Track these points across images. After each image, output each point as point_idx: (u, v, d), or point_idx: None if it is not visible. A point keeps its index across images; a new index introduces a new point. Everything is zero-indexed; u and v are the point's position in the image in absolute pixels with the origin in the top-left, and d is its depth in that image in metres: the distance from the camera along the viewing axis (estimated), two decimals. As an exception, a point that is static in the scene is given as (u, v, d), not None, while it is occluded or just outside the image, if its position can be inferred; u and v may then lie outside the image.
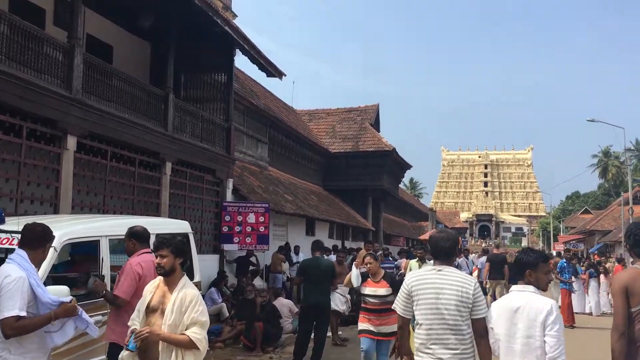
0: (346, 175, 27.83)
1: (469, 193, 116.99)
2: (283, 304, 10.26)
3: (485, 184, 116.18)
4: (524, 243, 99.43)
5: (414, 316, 4.10)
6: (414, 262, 10.46)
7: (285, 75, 15.59)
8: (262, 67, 14.86)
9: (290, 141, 23.50)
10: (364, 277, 7.11)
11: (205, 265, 13.51)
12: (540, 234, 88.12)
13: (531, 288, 3.77)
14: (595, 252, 38.34)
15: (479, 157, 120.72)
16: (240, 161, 18.12)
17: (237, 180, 15.72)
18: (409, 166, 31.95)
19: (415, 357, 4.03)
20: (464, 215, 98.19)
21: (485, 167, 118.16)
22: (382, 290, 6.76)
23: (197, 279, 7.24)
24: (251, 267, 14.82)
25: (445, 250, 4.06)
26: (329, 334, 9.18)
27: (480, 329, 3.87)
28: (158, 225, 6.81)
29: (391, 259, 16.19)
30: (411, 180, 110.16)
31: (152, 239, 4.88)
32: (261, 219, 14.54)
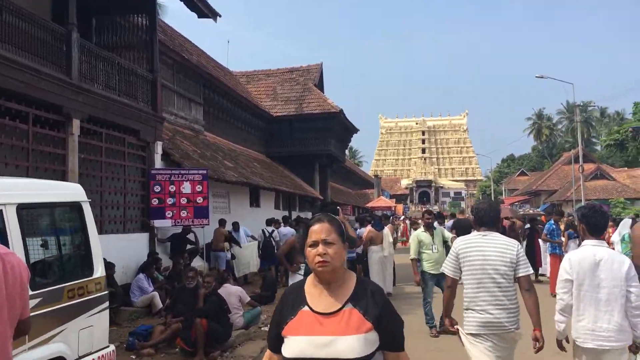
0: (291, 140, 25.62)
1: (407, 160, 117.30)
2: (231, 292, 8.01)
3: (424, 151, 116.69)
4: (462, 206, 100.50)
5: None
6: (421, 232, 8.79)
7: (220, 16, 13.07)
8: (191, 5, 12.30)
9: (228, 103, 20.99)
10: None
11: (131, 246, 11.06)
12: (480, 197, 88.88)
13: (605, 243, 4.14)
14: (542, 212, 37.86)
15: (417, 123, 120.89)
16: (172, 124, 15.54)
17: (168, 144, 13.21)
18: (355, 130, 29.99)
19: (464, 314, 4.34)
20: (404, 182, 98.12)
21: (423, 133, 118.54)
22: None
23: (99, 271, 4.88)
24: (189, 246, 12.47)
25: (490, 218, 4.44)
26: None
27: (526, 284, 4.24)
28: (21, 190, 4.38)
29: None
30: (350, 148, 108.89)
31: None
32: (198, 188, 12.17)
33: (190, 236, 12.52)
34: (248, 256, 14.47)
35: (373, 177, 49.51)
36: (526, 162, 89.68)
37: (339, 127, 26.63)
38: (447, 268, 4.48)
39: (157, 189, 11.79)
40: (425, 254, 8.45)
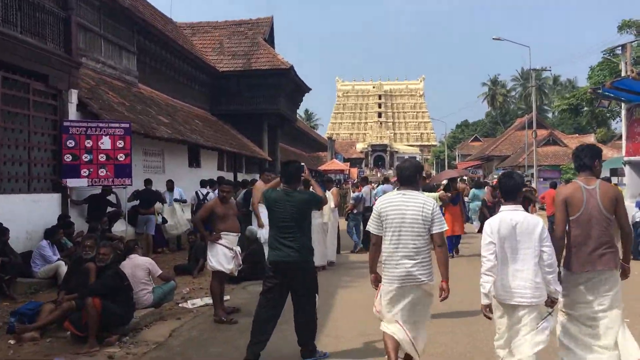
0: (238, 98, 24.10)
1: (363, 124, 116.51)
2: (137, 264, 6.80)
3: (380, 115, 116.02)
4: (429, 171, 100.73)
5: None
6: None
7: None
8: None
9: (167, 54, 19.32)
10: None
11: (38, 208, 9.62)
12: (434, 162, 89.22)
13: (520, 207, 4.50)
14: (495, 177, 37.65)
15: (374, 87, 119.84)
16: (97, 73, 13.94)
17: (88, 93, 11.67)
18: (307, 89, 28.59)
19: (383, 267, 4.70)
20: (359, 146, 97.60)
21: (380, 97, 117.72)
22: None
23: None
24: (110, 209, 11.12)
25: (407, 177, 4.75)
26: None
27: (439, 240, 4.63)
28: None
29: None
30: (306, 111, 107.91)
31: None
32: (120, 143, 10.77)
33: (112, 198, 11.18)
34: (177, 217, 13.26)
35: (327, 139, 48.37)
36: (480, 128, 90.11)
37: (289, 85, 25.24)
38: (371, 227, 4.78)
39: (71, 143, 10.33)
40: None
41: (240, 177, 21.35)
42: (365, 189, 14.29)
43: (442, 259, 4.62)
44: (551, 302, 4.42)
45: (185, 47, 20.65)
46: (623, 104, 15.38)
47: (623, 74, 18.19)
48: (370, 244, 4.86)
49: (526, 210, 4.63)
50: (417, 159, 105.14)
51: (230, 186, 7.11)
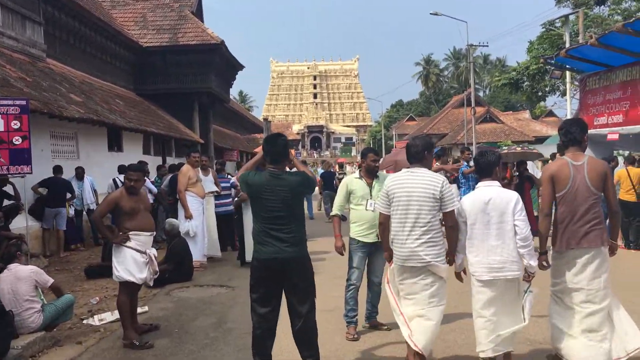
0: (165, 76, 22.28)
1: (299, 105, 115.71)
2: (20, 276, 5.21)
3: (315, 96, 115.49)
4: (354, 152, 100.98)
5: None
6: (354, 179, 5.98)
7: None
8: None
9: (82, 27, 17.28)
10: None
11: None
12: (371, 142, 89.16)
13: (496, 183, 4.52)
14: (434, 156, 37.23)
15: (308, 68, 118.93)
16: (-8, 43, 11.96)
17: (-24, 66, 9.80)
18: (241, 66, 26.95)
19: (391, 245, 4.62)
20: (295, 128, 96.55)
21: (315, 78, 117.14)
22: None
23: None
24: (6, 203, 9.39)
25: (415, 154, 4.57)
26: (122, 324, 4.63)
27: (449, 220, 4.48)
28: None
29: (229, 175, 11.65)
30: (241, 92, 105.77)
31: None
32: (15, 124, 8.98)
33: (8, 189, 9.44)
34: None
35: (262, 121, 46.76)
36: (414, 108, 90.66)
37: (220, 62, 23.52)
38: (379, 205, 4.71)
39: (-49, 125, 8.51)
40: (355, 212, 5.66)
41: (170, 161, 19.63)
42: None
43: (453, 238, 4.52)
44: (528, 276, 4.41)
45: (103, 20, 18.60)
46: (568, 74, 14.70)
47: (567, 45, 17.68)
48: (379, 223, 4.81)
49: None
50: (354, 139, 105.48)
51: (139, 172, 5.56)
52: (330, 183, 17.57)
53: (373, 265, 5.78)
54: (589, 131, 13.70)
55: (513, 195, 4.41)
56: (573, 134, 4.58)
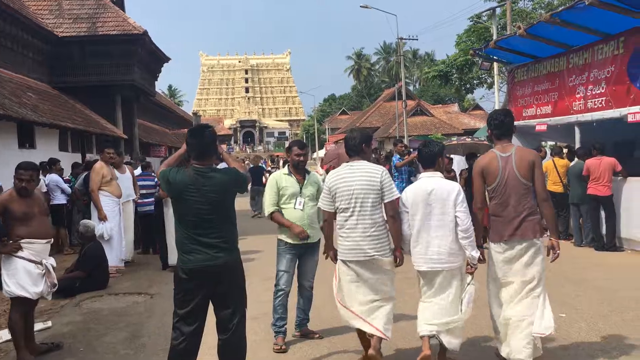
0: (84, 68, 21.07)
1: (231, 99, 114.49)
2: None
3: (247, 90, 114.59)
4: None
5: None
6: (283, 175, 5.37)
7: None
8: None
9: (-14, 14, 15.91)
10: None
11: None
12: (304, 136, 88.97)
13: (438, 174, 4.48)
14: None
15: (239, 62, 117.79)
16: None
17: None
18: (166, 58, 25.89)
19: (337, 240, 4.56)
20: (227, 122, 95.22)
21: (246, 72, 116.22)
22: None
23: None
24: None
25: (353, 147, 4.54)
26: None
27: (390, 210, 4.42)
28: None
29: (153, 173, 10.88)
30: (170, 87, 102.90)
31: None
32: None
33: None
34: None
35: (192, 115, 45.49)
36: (346, 102, 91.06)
37: (144, 53, 22.46)
38: (322, 203, 4.62)
39: None
40: (284, 211, 5.15)
41: (91, 158, 18.49)
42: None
43: (395, 229, 4.44)
44: (470, 268, 4.38)
45: (12, 7, 17.23)
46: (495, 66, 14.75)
47: (495, 37, 17.81)
48: (323, 219, 4.73)
49: None
50: (287, 134, 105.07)
51: (31, 171, 4.84)
52: (258, 178, 17.16)
53: (304, 268, 5.32)
54: (518, 123, 13.93)
55: (454, 187, 4.38)
56: (507, 125, 4.54)
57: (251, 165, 18.92)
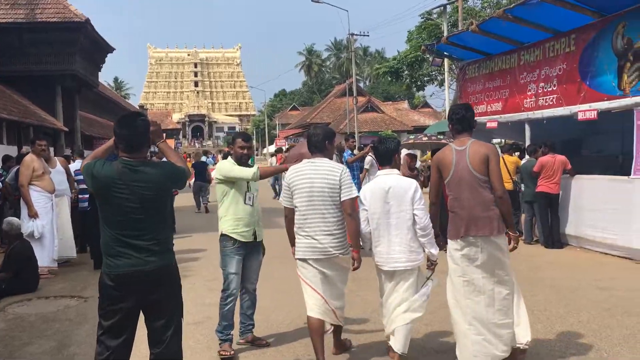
0: (21, 56, 20.03)
1: (179, 93, 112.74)
2: None
3: (196, 84, 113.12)
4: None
5: None
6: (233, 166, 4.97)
7: None
8: None
9: None
10: None
11: None
12: (254, 131, 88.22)
13: (395, 171, 4.47)
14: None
15: (189, 55, 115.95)
16: None
17: None
18: (110, 48, 24.86)
19: (296, 237, 4.43)
20: (176, 116, 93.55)
21: (195, 65, 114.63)
22: None
23: None
24: None
25: (315, 143, 4.40)
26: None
27: (348, 208, 4.26)
28: None
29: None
30: (116, 79, 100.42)
31: None
32: None
33: None
34: None
35: (138, 108, 44.23)
36: (297, 98, 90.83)
37: (86, 42, 21.48)
38: (283, 199, 4.52)
39: None
40: (231, 207, 4.81)
41: (27, 151, 17.49)
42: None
43: (352, 228, 4.31)
44: (431, 264, 4.38)
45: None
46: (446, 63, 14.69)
47: (445, 34, 17.80)
48: (284, 216, 4.59)
49: None
50: (237, 129, 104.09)
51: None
52: (201, 174, 16.66)
53: (248, 269, 4.90)
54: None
55: (412, 184, 4.33)
56: (468, 120, 4.40)
57: (193, 162, 18.45)
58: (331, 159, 4.48)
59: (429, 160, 11.15)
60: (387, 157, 4.48)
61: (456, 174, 4.25)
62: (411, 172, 9.66)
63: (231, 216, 4.78)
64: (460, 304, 4.21)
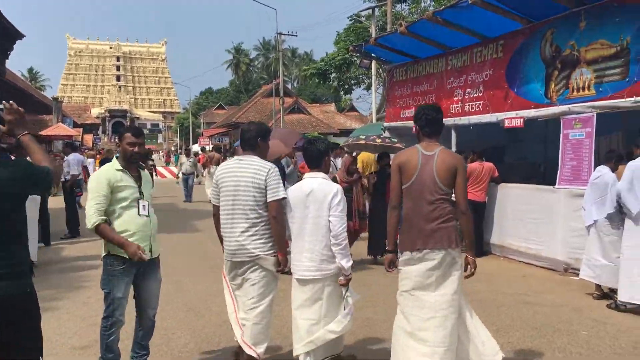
0: None
1: (100, 87, 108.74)
2: None
3: (118, 78, 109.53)
4: (160, 140, 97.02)
5: None
6: (115, 171, 3.92)
7: None
8: None
9: None
10: None
11: None
12: (178, 129, 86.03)
13: (321, 174, 4.15)
14: (237, 145, 36.21)
15: (111, 48, 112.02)
16: None
17: None
18: (19, 35, 23.12)
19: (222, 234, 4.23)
20: (95, 111, 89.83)
21: (118, 59, 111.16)
22: None
23: None
24: None
25: (247, 140, 4.22)
26: None
27: (273, 211, 4.04)
28: None
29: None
30: (31, 70, 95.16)
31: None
32: None
33: None
34: None
35: (52, 100, 41.76)
36: (224, 96, 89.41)
37: (-10, 26, 19.81)
38: (211, 196, 4.39)
39: None
40: (120, 218, 3.95)
41: None
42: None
43: (277, 231, 4.09)
44: (343, 280, 4.03)
45: None
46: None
47: (374, 35, 17.54)
48: (212, 214, 4.40)
49: None
50: (160, 126, 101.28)
51: None
52: None
53: (147, 292, 4.13)
54: (396, 124, 13.68)
55: (333, 188, 4.04)
56: (439, 122, 4.09)
57: (102, 158, 17.35)
58: (264, 158, 4.21)
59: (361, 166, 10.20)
60: (316, 159, 4.18)
61: (419, 180, 3.90)
62: (350, 176, 8.48)
63: (120, 230, 3.92)
64: (406, 319, 3.88)
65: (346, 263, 3.95)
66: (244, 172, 4.08)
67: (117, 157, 4.15)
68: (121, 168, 4.03)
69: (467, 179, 4.05)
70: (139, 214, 3.98)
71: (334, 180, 6.75)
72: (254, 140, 4.19)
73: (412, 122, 12.14)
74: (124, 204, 3.95)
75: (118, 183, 3.95)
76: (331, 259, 3.98)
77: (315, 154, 4.18)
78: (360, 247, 8.82)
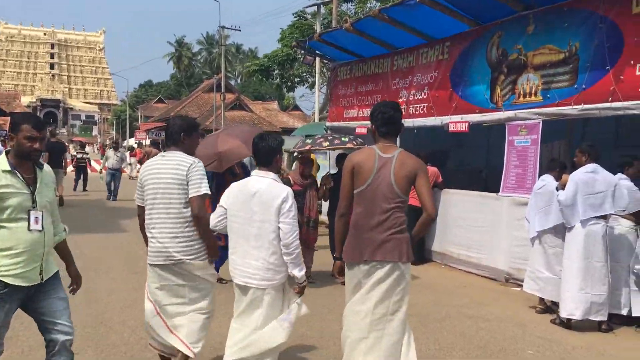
0: None
1: (32, 74, 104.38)
2: None
3: (52, 66, 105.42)
4: (95, 132, 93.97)
5: None
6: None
7: None
8: None
9: None
10: None
11: None
12: (114, 122, 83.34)
13: (272, 175, 3.78)
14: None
15: (45, 34, 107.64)
16: None
17: None
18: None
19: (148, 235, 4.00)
20: (25, 100, 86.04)
21: (52, 47, 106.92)
22: None
23: None
24: None
25: (170, 135, 4.00)
26: None
27: (195, 208, 3.81)
28: None
29: None
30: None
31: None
32: None
33: None
34: None
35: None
36: (164, 90, 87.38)
37: None
38: (136, 196, 4.14)
39: None
40: (4, 232, 3.11)
41: None
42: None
43: (200, 231, 3.85)
44: (297, 289, 3.78)
45: None
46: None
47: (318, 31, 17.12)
48: (137, 215, 4.07)
49: None
50: (96, 118, 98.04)
51: None
52: (57, 158, 14.52)
53: (52, 311, 3.27)
54: (339, 124, 13.28)
55: (282, 191, 3.65)
56: (397, 121, 3.77)
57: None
58: (192, 153, 3.95)
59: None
60: (266, 157, 3.81)
61: (373, 185, 3.58)
62: (304, 179, 7.53)
63: (3, 247, 3.10)
64: (349, 336, 3.62)
65: (299, 272, 3.67)
66: (166, 168, 3.85)
67: (7, 153, 3.21)
68: (9, 169, 3.14)
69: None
70: (29, 228, 3.16)
71: (287, 183, 6.25)
72: (177, 135, 3.94)
73: (355, 122, 11.79)
74: (10, 215, 3.11)
75: (2, 189, 3.09)
76: (278, 267, 3.66)
77: (266, 150, 3.80)
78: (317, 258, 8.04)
